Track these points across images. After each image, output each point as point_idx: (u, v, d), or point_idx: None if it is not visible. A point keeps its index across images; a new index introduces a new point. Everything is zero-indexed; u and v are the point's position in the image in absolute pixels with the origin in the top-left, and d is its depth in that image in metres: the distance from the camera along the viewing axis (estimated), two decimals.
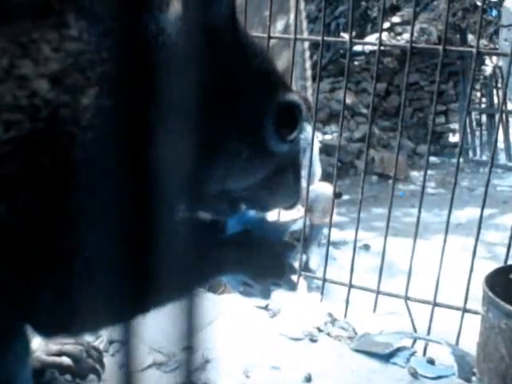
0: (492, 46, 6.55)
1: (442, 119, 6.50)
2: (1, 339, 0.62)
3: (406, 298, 1.39)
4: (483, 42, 6.49)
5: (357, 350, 1.24)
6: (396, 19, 7.19)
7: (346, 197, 4.95)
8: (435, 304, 1.37)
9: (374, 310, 1.42)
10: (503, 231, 3.95)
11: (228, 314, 1.36)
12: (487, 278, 1.19)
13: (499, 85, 6.18)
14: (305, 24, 5.53)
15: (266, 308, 1.41)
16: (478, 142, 6.49)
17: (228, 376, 1.11)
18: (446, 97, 6.67)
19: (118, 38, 0.65)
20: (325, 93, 6.54)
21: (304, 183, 1.15)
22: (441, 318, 1.41)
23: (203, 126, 0.72)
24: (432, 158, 6.44)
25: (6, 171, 0.58)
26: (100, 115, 0.61)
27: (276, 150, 0.79)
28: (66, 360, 1.02)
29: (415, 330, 1.37)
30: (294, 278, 0.90)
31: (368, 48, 6.39)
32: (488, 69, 6.46)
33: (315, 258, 3.62)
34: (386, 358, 1.21)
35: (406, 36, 6.55)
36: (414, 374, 1.16)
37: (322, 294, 1.49)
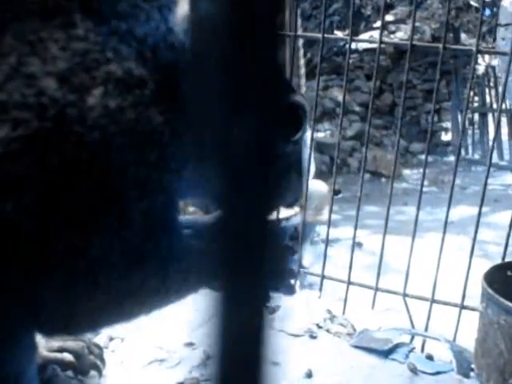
0: (485, 44, 6.58)
1: (434, 118, 6.54)
2: (9, 336, 0.62)
3: (404, 295, 1.40)
4: (475, 40, 6.50)
5: (356, 347, 1.25)
6: (389, 17, 7.20)
7: (339, 195, 4.96)
8: (433, 301, 1.38)
9: (373, 306, 1.43)
10: (494, 229, 3.97)
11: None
12: (486, 275, 1.19)
13: (491, 84, 6.21)
14: (299, 21, 5.53)
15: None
16: (470, 140, 6.52)
17: None
18: (438, 95, 6.69)
19: (128, 38, 0.65)
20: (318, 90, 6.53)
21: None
22: (437, 315, 1.42)
23: (210, 125, 0.73)
24: (424, 156, 6.47)
25: (14, 169, 0.58)
26: (106, 115, 0.61)
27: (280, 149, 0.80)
28: (67, 356, 1.02)
29: (413, 327, 1.38)
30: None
31: (361, 46, 6.41)
32: (481, 68, 6.50)
33: (308, 255, 3.63)
34: (386, 354, 1.22)
35: (400, 34, 6.57)
36: (414, 370, 1.17)
37: (320, 290, 1.49)
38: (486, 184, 1.37)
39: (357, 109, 6.56)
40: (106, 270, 0.64)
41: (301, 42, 5.20)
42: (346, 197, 4.97)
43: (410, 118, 6.88)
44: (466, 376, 1.18)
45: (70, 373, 1.02)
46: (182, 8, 0.69)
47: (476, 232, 1.38)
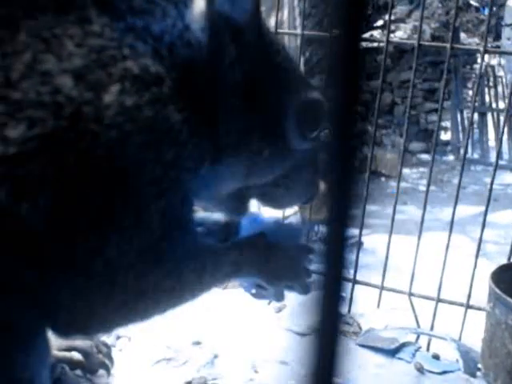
0: (483, 44, 6.59)
1: (434, 117, 6.52)
2: (24, 339, 0.62)
3: (410, 294, 1.41)
4: (475, 40, 6.52)
5: (362, 345, 1.25)
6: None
7: None
8: (439, 300, 1.38)
9: (378, 305, 1.43)
10: (493, 228, 3.98)
11: (232, 309, 1.36)
12: (492, 275, 1.20)
13: (491, 83, 6.22)
14: (298, 20, 5.52)
15: (269, 303, 1.42)
16: (469, 140, 6.52)
17: (237, 371, 1.12)
18: (437, 95, 6.70)
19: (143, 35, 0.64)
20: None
21: None
22: (442, 315, 1.42)
23: (228, 124, 0.72)
24: (424, 156, 6.47)
25: (30, 169, 0.57)
26: (123, 112, 0.60)
27: (297, 147, 0.78)
28: (76, 355, 1.02)
29: (419, 326, 1.39)
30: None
31: (362, 45, 6.38)
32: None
33: None
34: (392, 353, 1.22)
35: (399, 34, 6.56)
36: (421, 369, 1.17)
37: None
38: (492, 183, 1.37)
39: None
40: (122, 270, 0.63)
41: (299, 40, 5.19)
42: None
43: (410, 118, 6.87)
44: (473, 375, 1.18)
45: (78, 372, 1.02)
46: (198, 5, 0.68)
47: (482, 231, 1.38)
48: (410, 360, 1.21)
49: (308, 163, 0.82)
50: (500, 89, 6.18)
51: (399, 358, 1.21)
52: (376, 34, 7.26)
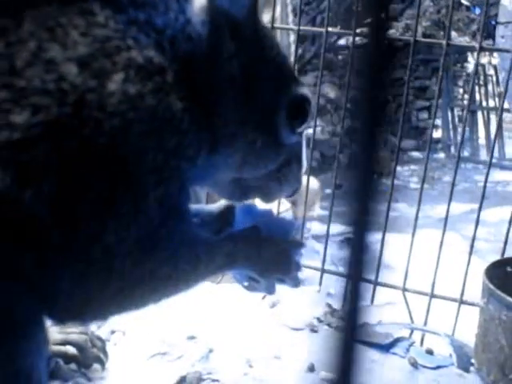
0: (475, 42, 6.63)
1: (425, 115, 6.56)
2: (25, 325, 0.61)
3: (404, 290, 1.41)
4: (466, 39, 6.56)
5: (357, 341, 1.26)
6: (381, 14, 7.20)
7: (329, 190, 4.97)
8: (432, 295, 1.39)
9: (372, 300, 1.44)
10: (483, 226, 4.00)
11: (227, 304, 1.36)
12: (486, 271, 1.21)
13: (481, 82, 6.26)
14: (291, 17, 5.52)
15: (264, 298, 1.42)
16: (459, 137, 6.57)
17: (231, 366, 1.12)
18: (429, 93, 6.74)
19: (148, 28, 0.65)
20: (309, 86, 6.53)
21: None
22: (435, 310, 1.43)
23: (224, 115, 0.73)
24: (415, 153, 6.51)
25: (33, 156, 0.57)
26: (126, 101, 0.61)
27: (287, 141, 0.81)
28: (70, 349, 1.01)
29: (412, 321, 1.39)
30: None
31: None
32: (470, 66, 6.55)
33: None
34: (386, 348, 1.23)
35: (391, 32, 6.58)
36: (414, 364, 1.18)
37: (320, 284, 1.50)
38: (486, 181, 1.38)
39: (347, 105, 6.56)
40: (120, 257, 0.63)
41: (292, 38, 5.19)
42: (336, 193, 4.99)
43: (402, 115, 6.89)
44: (466, 370, 1.19)
45: (73, 366, 1.02)
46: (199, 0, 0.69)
47: (476, 229, 1.39)
48: (403, 355, 1.21)
49: (295, 157, 0.84)
50: (490, 87, 6.22)
51: (393, 353, 1.22)
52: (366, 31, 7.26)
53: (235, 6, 0.70)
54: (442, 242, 1.41)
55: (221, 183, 0.83)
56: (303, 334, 1.26)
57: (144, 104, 0.61)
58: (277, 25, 1.40)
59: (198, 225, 0.90)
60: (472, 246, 1.39)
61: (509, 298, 1.09)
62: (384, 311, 1.43)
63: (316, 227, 3.93)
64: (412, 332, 1.33)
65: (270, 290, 0.89)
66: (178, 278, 0.73)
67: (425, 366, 1.18)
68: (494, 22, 4.87)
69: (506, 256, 1.34)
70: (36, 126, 0.57)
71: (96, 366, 1.03)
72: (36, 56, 0.58)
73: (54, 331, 1.01)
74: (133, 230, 0.64)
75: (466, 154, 6.33)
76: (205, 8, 0.69)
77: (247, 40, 0.73)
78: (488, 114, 6.11)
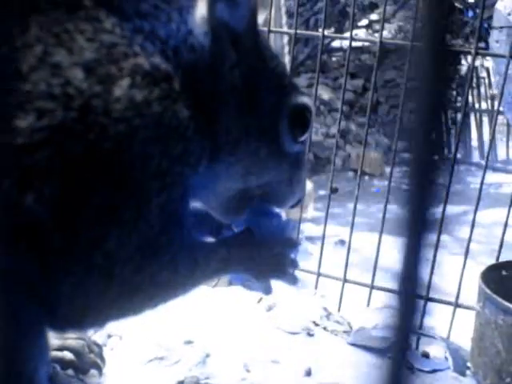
0: (467, 45, 6.67)
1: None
2: (25, 334, 0.61)
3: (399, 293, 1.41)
4: (459, 42, 6.58)
5: (353, 344, 1.26)
6: (374, 16, 7.25)
7: (322, 192, 4.98)
8: (428, 299, 1.39)
9: (368, 304, 1.44)
10: (476, 228, 4.02)
11: (223, 307, 1.36)
12: (482, 275, 1.21)
13: (474, 84, 6.29)
14: (285, 19, 5.52)
15: (259, 301, 1.42)
16: (452, 139, 6.60)
17: (229, 370, 1.12)
18: None
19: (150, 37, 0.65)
20: (302, 88, 6.55)
21: None
22: (431, 313, 1.43)
23: (226, 124, 0.73)
24: (407, 155, 6.52)
25: (37, 160, 0.57)
26: (132, 107, 0.61)
27: (289, 149, 0.81)
28: (68, 355, 1.00)
29: None
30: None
31: (346, 44, 6.43)
32: (463, 68, 6.58)
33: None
34: (383, 352, 1.23)
35: (384, 33, 6.61)
36: (411, 368, 1.18)
37: (316, 288, 1.50)
38: (482, 183, 1.39)
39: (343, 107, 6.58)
40: (121, 262, 0.63)
41: (285, 39, 5.19)
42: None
43: (394, 117, 6.94)
44: (462, 374, 1.19)
45: (70, 371, 1.01)
46: (200, 11, 0.70)
47: (472, 231, 1.40)
48: None
49: (298, 166, 0.84)
50: (483, 89, 6.25)
51: (390, 357, 1.22)
52: (361, 33, 7.31)
53: (235, 17, 0.71)
54: (437, 245, 1.41)
55: (220, 197, 0.83)
56: (300, 338, 1.26)
57: (150, 110, 0.61)
58: (273, 28, 1.40)
59: (195, 225, 0.89)
60: (467, 249, 1.40)
61: (505, 303, 1.10)
62: (380, 314, 1.44)
63: (309, 229, 3.93)
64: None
65: (267, 291, 0.90)
66: (177, 282, 0.73)
67: (421, 370, 1.19)
68: (486, 25, 4.90)
69: (500, 260, 1.34)
70: (40, 130, 0.56)
71: (93, 371, 1.03)
72: (42, 60, 0.57)
73: (51, 337, 1.01)
74: (134, 236, 0.64)
75: (458, 156, 6.36)
76: (206, 19, 0.69)
77: (248, 50, 0.74)
78: (480, 116, 6.14)
